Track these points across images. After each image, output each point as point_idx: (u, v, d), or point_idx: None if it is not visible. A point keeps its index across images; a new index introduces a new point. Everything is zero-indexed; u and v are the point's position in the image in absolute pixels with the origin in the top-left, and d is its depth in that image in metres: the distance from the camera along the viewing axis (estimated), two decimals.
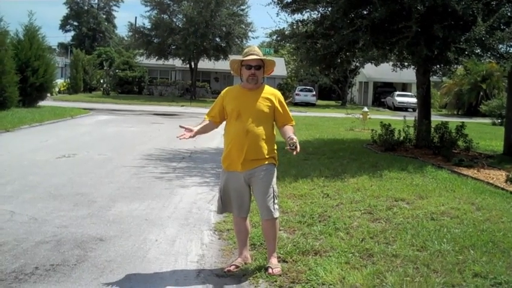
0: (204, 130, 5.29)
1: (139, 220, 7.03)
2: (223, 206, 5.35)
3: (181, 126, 5.13)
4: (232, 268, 5.18)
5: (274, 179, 5.17)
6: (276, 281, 4.86)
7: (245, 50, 5.26)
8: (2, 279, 4.80)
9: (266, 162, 5.10)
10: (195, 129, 5.12)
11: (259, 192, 5.10)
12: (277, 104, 5.17)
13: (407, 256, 5.48)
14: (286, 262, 5.36)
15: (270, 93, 5.20)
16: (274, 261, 5.17)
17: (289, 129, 5.12)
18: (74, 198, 8.07)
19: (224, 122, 5.31)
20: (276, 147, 5.25)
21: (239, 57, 5.28)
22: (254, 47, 5.27)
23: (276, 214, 5.13)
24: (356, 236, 6.21)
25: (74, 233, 6.31)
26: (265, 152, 5.08)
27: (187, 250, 5.89)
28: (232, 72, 5.39)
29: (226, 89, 5.44)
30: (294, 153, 4.86)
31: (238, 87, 5.28)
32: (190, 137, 5.06)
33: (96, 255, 5.56)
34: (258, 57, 5.10)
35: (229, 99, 5.22)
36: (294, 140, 4.85)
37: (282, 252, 5.54)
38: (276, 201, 5.12)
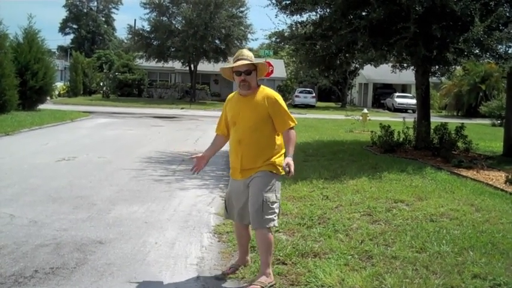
0: (216, 148, 5.27)
1: (138, 223, 7.03)
2: (228, 212, 5.23)
3: (192, 158, 5.15)
4: (230, 271, 5.15)
5: (270, 187, 4.85)
6: (275, 284, 4.86)
7: (235, 55, 5.08)
8: (1, 282, 4.80)
9: (261, 170, 4.88)
10: (206, 154, 5.16)
11: (249, 200, 4.89)
12: (269, 108, 4.89)
13: (407, 258, 5.48)
14: (286, 264, 5.36)
15: (263, 96, 4.92)
16: (259, 277, 4.85)
17: (287, 141, 4.87)
18: (74, 201, 8.07)
19: None
20: (280, 154, 4.98)
21: (229, 64, 5.12)
22: (243, 50, 5.05)
23: (264, 224, 4.81)
24: (355, 237, 6.22)
25: (74, 236, 6.31)
26: (261, 160, 4.87)
27: (186, 253, 5.89)
28: (226, 78, 5.24)
29: (227, 98, 5.30)
30: (289, 175, 4.69)
31: (236, 94, 5.14)
32: (204, 165, 5.13)
33: (95, 258, 5.56)
34: (246, 62, 4.88)
35: (229, 109, 5.12)
36: (285, 164, 4.68)
37: (281, 254, 5.54)
38: (268, 211, 4.79)
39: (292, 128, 4.94)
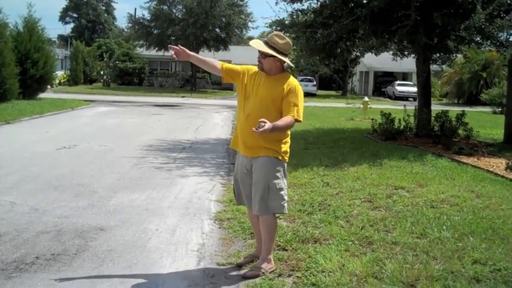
0: (204, 62, 4.98)
1: (139, 210, 7.05)
2: (237, 197, 5.14)
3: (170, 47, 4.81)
4: (245, 261, 5.11)
5: (275, 173, 4.79)
6: (275, 270, 4.87)
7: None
8: (3, 268, 4.83)
9: (263, 154, 4.75)
10: (192, 53, 4.88)
11: (253, 186, 4.82)
12: (285, 94, 4.74)
13: (407, 243, 5.50)
14: (286, 250, 5.38)
15: (286, 82, 4.79)
16: (260, 263, 4.88)
17: (281, 119, 4.65)
18: (75, 189, 8.09)
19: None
20: (285, 140, 4.87)
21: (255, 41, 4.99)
22: (272, 36, 4.86)
23: (269, 211, 4.81)
24: (356, 224, 6.23)
25: (75, 223, 6.33)
26: (263, 141, 4.69)
27: (187, 239, 5.91)
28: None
29: (254, 67, 5.06)
30: (254, 130, 4.38)
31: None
32: (181, 52, 4.76)
33: (96, 244, 5.58)
34: (259, 46, 4.78)
35: (250, 76, 4.92)
36: (262, 121, 4.39)
37: (281, 240, 5.56)
38: (273, 197, 4.77)
39: (293, 119, 4.70)
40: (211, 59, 5.09)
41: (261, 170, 4.77)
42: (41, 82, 27.93)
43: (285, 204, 4.90)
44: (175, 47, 4.80)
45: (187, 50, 4.85)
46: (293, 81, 4.87)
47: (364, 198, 7.49)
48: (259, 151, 4.79)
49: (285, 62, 4.85)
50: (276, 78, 4.84)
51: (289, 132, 4.94)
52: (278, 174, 4.82)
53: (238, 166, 5.00)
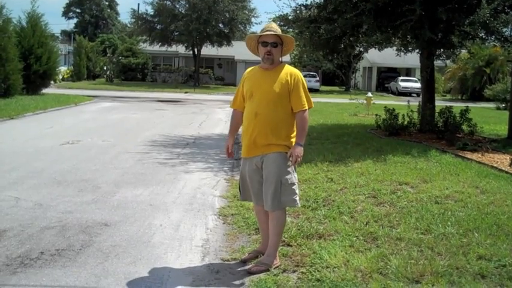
0: (237, 125, 5.15)
1: (143, 205, 7.05)
2: (242, 193, 5.11)
3: (227, 154, 5.14)
4: (250, 257, 5.08)
5: (287, 168, 4.79)
6: (280, 265, 4.87)
7: (263, 27, 4.99)
8: (7, 264, 4.83)
9: (275, 150, 4.76)
10: (231, 138, 5.16)
11: (264, 182, 4.80)
12: (292, 88, 4.77)
13: (412, 239, 5.49)
14: (291, 246, 5.37)
15: (287, 73, 4.81)
16: (265, 258, 4.88)
17: (298, 126, 4.79)
18: (79, 184, 8.09)
19: None
20: (293, 135, 4.85)
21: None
22: (272, 23, 4.97)
23: (281, 206, 4.82)
24: (360, 219, 6.22)
25: (79, 218, 6.33)
26: (276, 137, 4.75)
27: (191, 235, 5.91)
28: (249, 50, 5.09)
29: (246, 71, 5.15)
30: (293, 165, 4.80)
31: (257, 67, 5.00)
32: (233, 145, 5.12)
33: (101, 240, 5.58)
34: (275, 33, 4.78)
35: (247, 81, 4.97)
36: (289, 155, 4.72)
37: (286, 236, 5.54)
38: (286, 192, 4.78)
39: (305, 110, 4.82)
40: (233, 120, 5.22)
41: (272, 166, 4.76)
42: (44, 77, 28.00)
43: (297, 199, 4.91)
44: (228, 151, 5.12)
45: (230, 141, 5.15)
46: (292, 69, 4.90)
47: (368, 193, 7.47)
48: (270, 148, 4.78)
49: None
50: (275, 71, 4.84)
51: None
52: (289, 169, 4.82)
53: (247, 162, 4.95)
